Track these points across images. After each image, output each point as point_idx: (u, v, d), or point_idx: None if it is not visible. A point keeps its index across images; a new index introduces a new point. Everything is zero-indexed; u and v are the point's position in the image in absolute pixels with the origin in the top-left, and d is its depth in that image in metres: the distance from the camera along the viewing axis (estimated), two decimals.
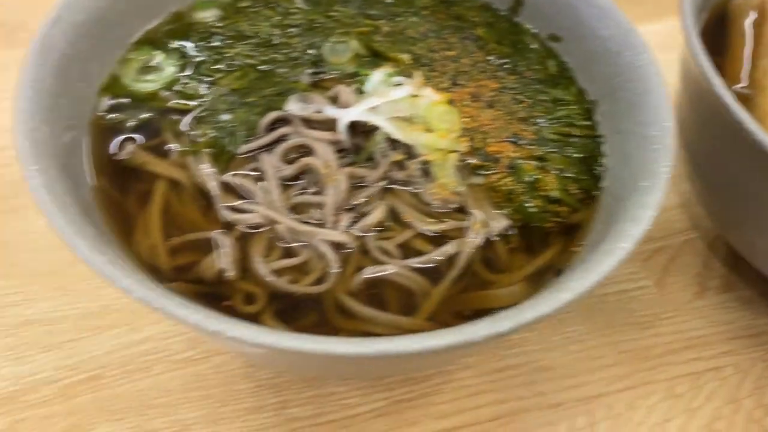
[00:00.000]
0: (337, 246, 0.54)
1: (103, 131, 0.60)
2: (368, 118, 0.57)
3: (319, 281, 0.53)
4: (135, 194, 0.58)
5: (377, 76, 0.60)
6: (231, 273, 0.53)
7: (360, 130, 0.59)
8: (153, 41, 0.66)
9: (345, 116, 0.57)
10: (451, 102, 0.60)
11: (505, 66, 0.67)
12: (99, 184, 0.57)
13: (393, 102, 0.57)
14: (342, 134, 0.57)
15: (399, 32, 0.68)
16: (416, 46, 0.67)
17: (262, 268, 0.53)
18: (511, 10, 0.72)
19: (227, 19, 0.69)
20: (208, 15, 0.69)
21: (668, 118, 0.55)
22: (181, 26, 0.68)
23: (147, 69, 0.64)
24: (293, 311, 0.53)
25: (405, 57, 0.64)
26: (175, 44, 0.66)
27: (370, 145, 0.58)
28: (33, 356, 0.67)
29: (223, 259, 0.53)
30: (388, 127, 0.57)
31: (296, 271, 0.54)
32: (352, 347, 0.41)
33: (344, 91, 0.60)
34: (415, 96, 0.58)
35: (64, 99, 0.56)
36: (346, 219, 0.55)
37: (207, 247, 0.55)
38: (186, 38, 0.67)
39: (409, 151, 0.58)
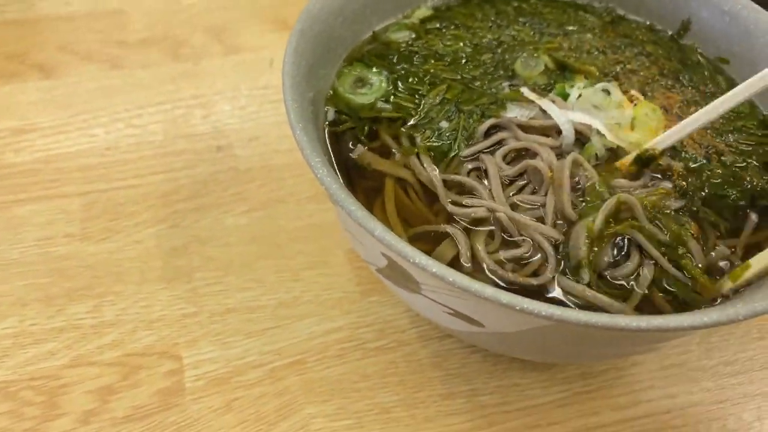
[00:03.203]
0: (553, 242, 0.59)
1: (332, 138, 0.66)
2: (588, 121, 0.63)
3: (535, 273, 0.58)
4: (362, 190, 0.64)
5: (580, 86, 0.66)
6: (466, 263, 0.58)
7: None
8: (360, 59, 0.73)
9: (567, 117, 0.63)
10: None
11: (680, 79, 0.73)
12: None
13: (605, 107, 0.63)
14: (569, 137, 0.63)
15: (578, 48, 0.74)
16: (598, 60, 0.73)
17: (487, 259, 0.58)
18: (676, 34, 0.78)
19: (420, 39, 0.75)
20: (401, 36, 0.76)
21: None
22: (380, 46, 0.75)
23: (360, 83, 0.70)
24: None
25: (593, 69, 0.70)
26: (378, 62, 0.72)
27: (588, 152, 0.63)
28: (239, 341, 0.72)
29: (460, 250, 0.58)
30: (603, 130, 0.62)
31: (514, 262, 0.59)
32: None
33: (559, 100, 0.65)
34: (622, 103, 0.64)
35: (314, 109, 0.63)
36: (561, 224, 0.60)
37: (436, 237, 0.61)
38: (387, 56, 0.73)
39: (617, 154, 0.64)
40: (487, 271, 0.57)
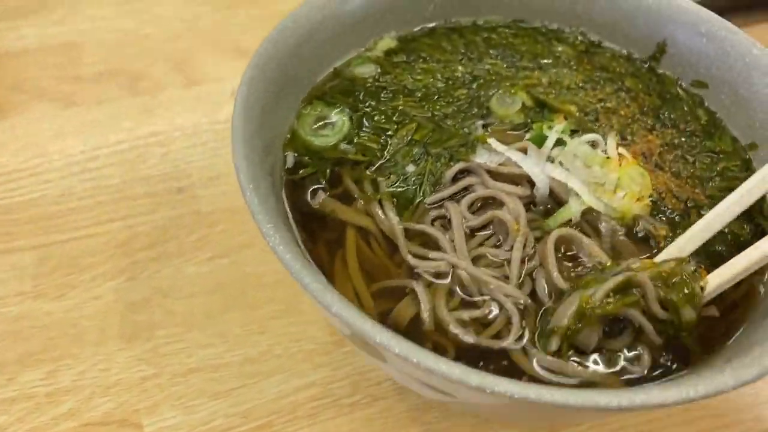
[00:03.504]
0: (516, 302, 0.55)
1: (292, 185, 0.62)
2: (565, 178, 0.58)
3: (498, 334, 0.54)
4: (323, 242, 0.60)
5: (558, 129, 0.62)
6: (427, 322, 0.54)
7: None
8: (321, 97, 0.68)
9: (541, 169, 0.59)
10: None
11: (660, 117, 0.69)
12: (298, 235, 0.59)
13: (588, 164, 0.59)
14: (543, 189, 0.59)
15: (556, 82, 0.70)
16: (577, 96, 0.69)
17: (448, 318, 0.54)
18: (652, 58, 0.74)
19: (388, 74, 0.71)
20: (366, 70, 0.72)
21: None
22: (344, 82, 0.70)
23: (322, 124, 0.66)
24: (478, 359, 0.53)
25: (573, 108, 0.66)
26: (342, 99, 0.68)
27: (564, 215, 0.59)
28: (203, 404, 0.68)
29: (422, 308, 0.54)
30: (583, 191, 0.58)
31: (478, 321, 0.55)
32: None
33: (533, 147, 0.61)
34: (608, 157, 0.60)
35: (270, 157, 0.58)
36: (528, 283, 0.56)
37: (399, 292, 0.57)
38: (353, 92, 0.69)
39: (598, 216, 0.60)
40: (447, 334, 0.53)
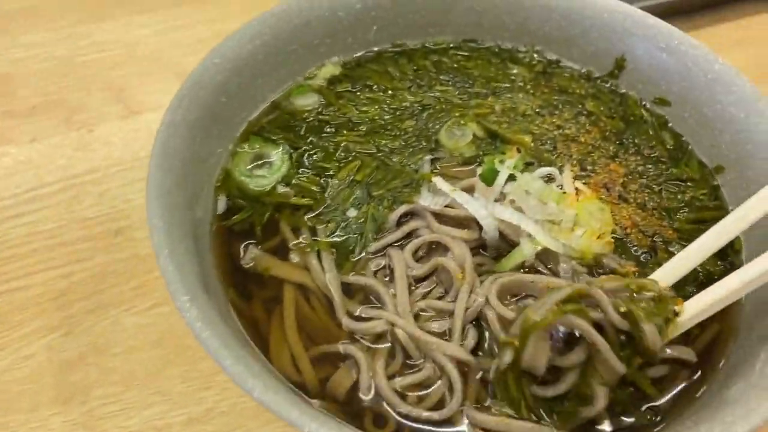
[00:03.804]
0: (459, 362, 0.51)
1: (224, 235, 0.57)
2: (516, 219, 0.54)
3: (442, 398, 0.50)
4: (259, 299, 0.55)
5: (509, 164, 0.57)
6: (366, 393, 0.49)
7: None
8: (258, 133, 0.64)
9: (489, 211, 0.54)
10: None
11: (623, 143, 0.64)
12: (229, 296, 0.54)
13: (543, 200, 0.54)
14: (491, 232, 0.54)
15: (511, 109, 0.66)
16: (533, 124, 0.64)
17: (386, 391, 0.49)
18: (611, 74, 0.70)
19: (331, 105, 0.66)
20: (307, 102, 0.67)
21: None
22: (283, 115, 0.66)
23: (258, 163, 0.61)
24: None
25: (527, 139, 0.62)
26: (281, 135, 0.63)
27: (516, 258, 0.54)
28: None
29: (361, 377, 0.50)
30: (536, 231, 0.53)
31: (418, 387, 0.51)
32: None
33: (479, 185, 0.57)
34: (564, 192, 0.55)
35: (198, 206, 0.54)
36: (472, 335, 0.52)
37: (340, 357, 0.52)
38: (291, 128, 0.64)
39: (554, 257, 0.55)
40: (386, 406, 0.49)
